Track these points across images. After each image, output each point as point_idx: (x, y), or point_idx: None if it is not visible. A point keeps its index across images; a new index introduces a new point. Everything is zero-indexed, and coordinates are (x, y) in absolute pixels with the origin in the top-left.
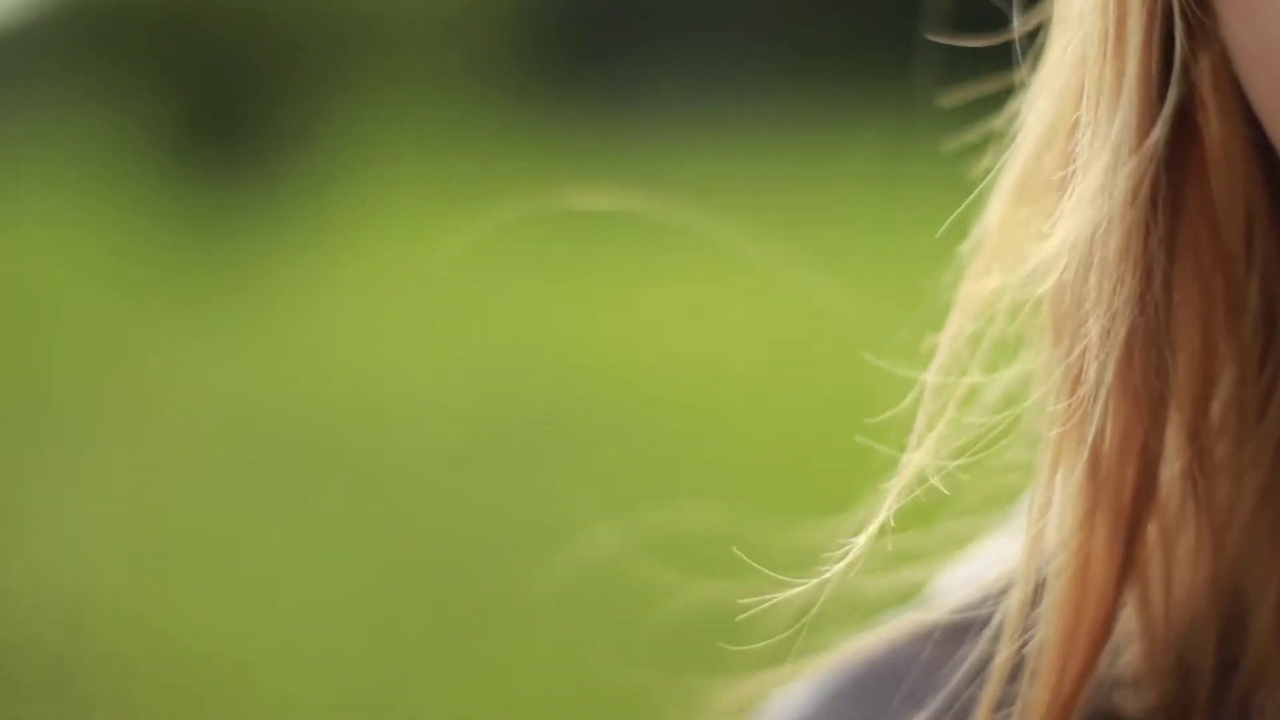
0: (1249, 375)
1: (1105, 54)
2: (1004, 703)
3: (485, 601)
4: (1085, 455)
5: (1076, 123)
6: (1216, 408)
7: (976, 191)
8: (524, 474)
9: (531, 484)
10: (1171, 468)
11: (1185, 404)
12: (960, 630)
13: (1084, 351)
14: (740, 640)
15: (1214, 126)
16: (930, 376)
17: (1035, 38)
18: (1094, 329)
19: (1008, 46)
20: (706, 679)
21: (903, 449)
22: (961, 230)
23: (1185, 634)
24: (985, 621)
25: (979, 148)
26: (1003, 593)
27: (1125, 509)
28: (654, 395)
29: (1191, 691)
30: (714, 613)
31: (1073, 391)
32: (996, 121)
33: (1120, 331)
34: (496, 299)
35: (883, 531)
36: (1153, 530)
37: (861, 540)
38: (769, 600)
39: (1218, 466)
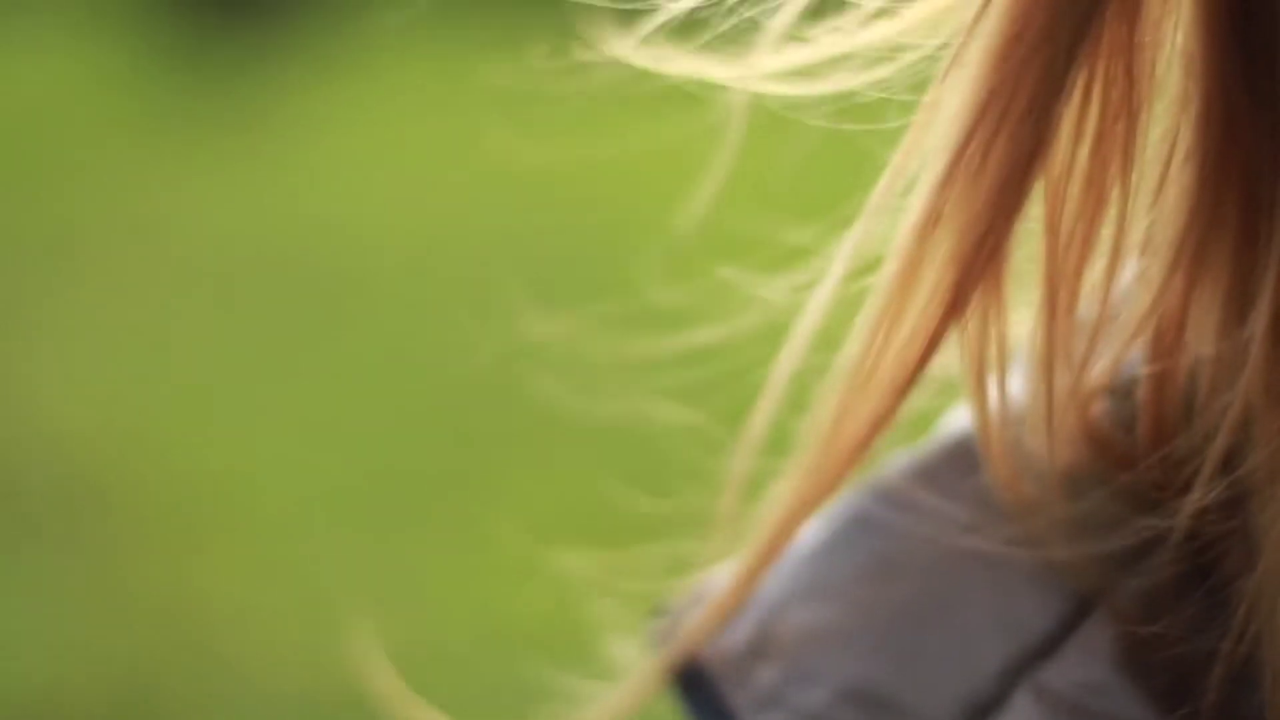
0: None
1: None
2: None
3: (493, 425)
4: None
5: None
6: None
7: None
8: (528, 307)
9: (532, 322)
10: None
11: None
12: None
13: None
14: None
15: None
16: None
17: None
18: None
19: None
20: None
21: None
22: None
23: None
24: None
25: None
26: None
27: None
28: (654, 231)
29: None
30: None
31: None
32: None
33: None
34: (500, 147)
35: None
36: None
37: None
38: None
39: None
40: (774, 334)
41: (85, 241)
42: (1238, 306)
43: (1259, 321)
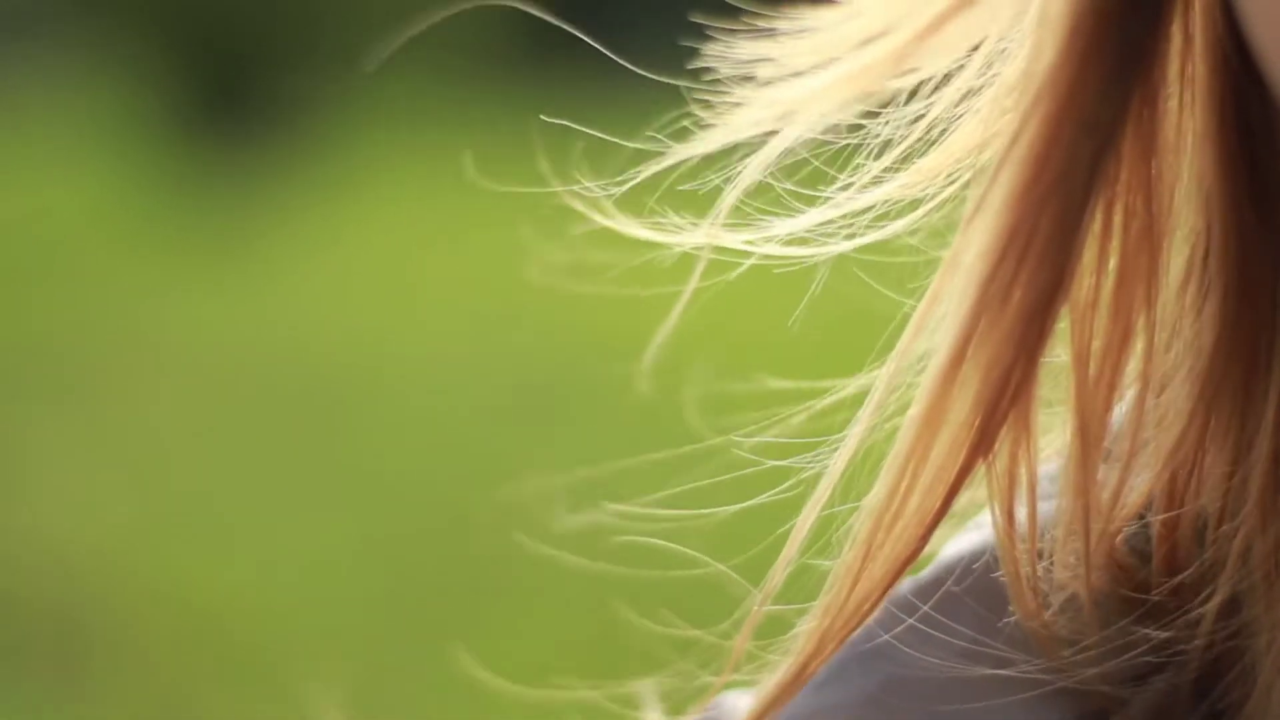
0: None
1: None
2: None
3: (483, 557)
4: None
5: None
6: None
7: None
8: (520, 435)
9: (524, 445)
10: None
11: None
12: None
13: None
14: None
15: (1173, 112)
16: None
17: None
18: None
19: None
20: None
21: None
22: None
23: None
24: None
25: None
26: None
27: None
28: (641, 361)
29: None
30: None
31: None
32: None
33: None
34: (489, 263)
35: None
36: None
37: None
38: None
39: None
40: (785, 473)
41: (84, 358)
42: (1248, 437)
43: (1260, 453)
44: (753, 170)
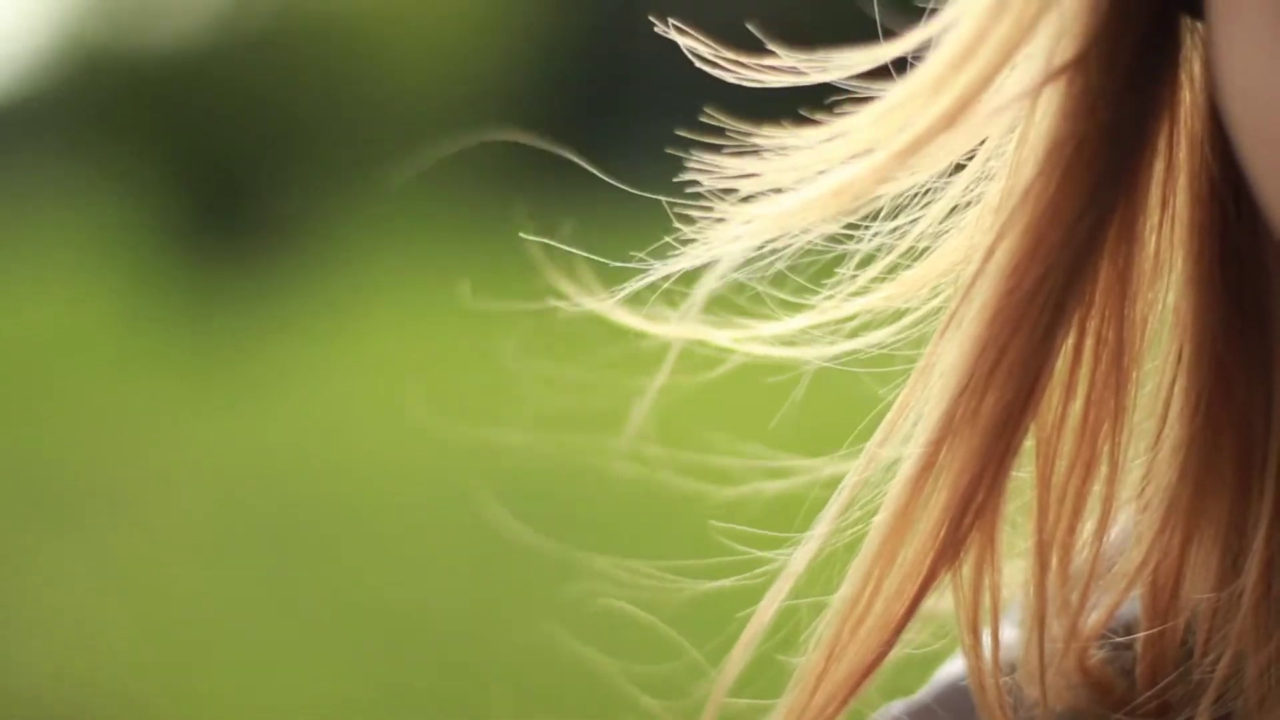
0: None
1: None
2: None
3: (485, 664)
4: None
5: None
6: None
7: None
8: (511, 549)
9: (518, 558)
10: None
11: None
12: None
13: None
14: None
15: (1150, 240)
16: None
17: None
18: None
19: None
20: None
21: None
22: None
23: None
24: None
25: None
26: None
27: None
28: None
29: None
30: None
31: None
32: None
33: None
34: (489, 379)
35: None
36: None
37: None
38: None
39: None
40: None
41: (83, 481)
42: (1233, 557)
43: (1251, 573)
44: (723, 267)
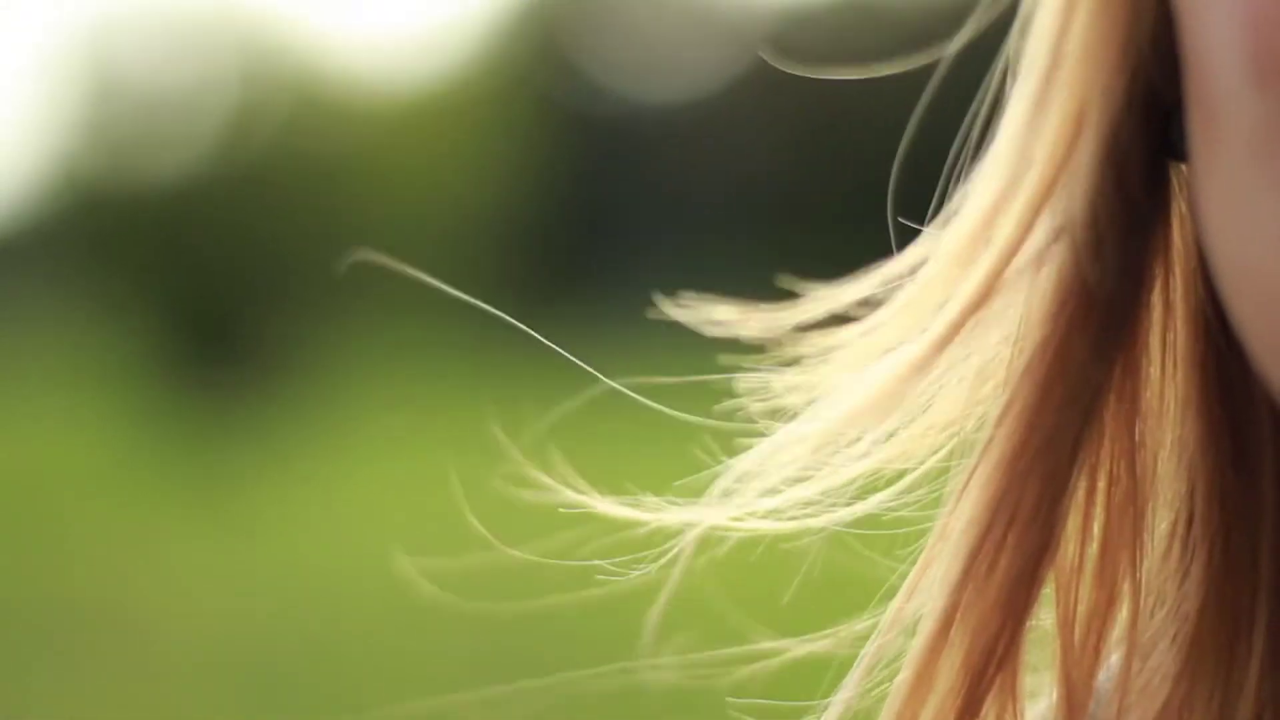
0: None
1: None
2: None
3: None
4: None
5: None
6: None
7: None
8: (502, 695)
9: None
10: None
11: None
12: None
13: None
14: None
15: (1155, 379)
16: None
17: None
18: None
19: None
20: None
21: None
22: None
23: None
24: None
25: None
26: None
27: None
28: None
29: None
30: None
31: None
32: None
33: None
34: (479, 509)
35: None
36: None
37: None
38: None
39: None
40: None
41: (73, 614)
42: (1230, 700)
43: (1243, 712)
44: (752, 458)
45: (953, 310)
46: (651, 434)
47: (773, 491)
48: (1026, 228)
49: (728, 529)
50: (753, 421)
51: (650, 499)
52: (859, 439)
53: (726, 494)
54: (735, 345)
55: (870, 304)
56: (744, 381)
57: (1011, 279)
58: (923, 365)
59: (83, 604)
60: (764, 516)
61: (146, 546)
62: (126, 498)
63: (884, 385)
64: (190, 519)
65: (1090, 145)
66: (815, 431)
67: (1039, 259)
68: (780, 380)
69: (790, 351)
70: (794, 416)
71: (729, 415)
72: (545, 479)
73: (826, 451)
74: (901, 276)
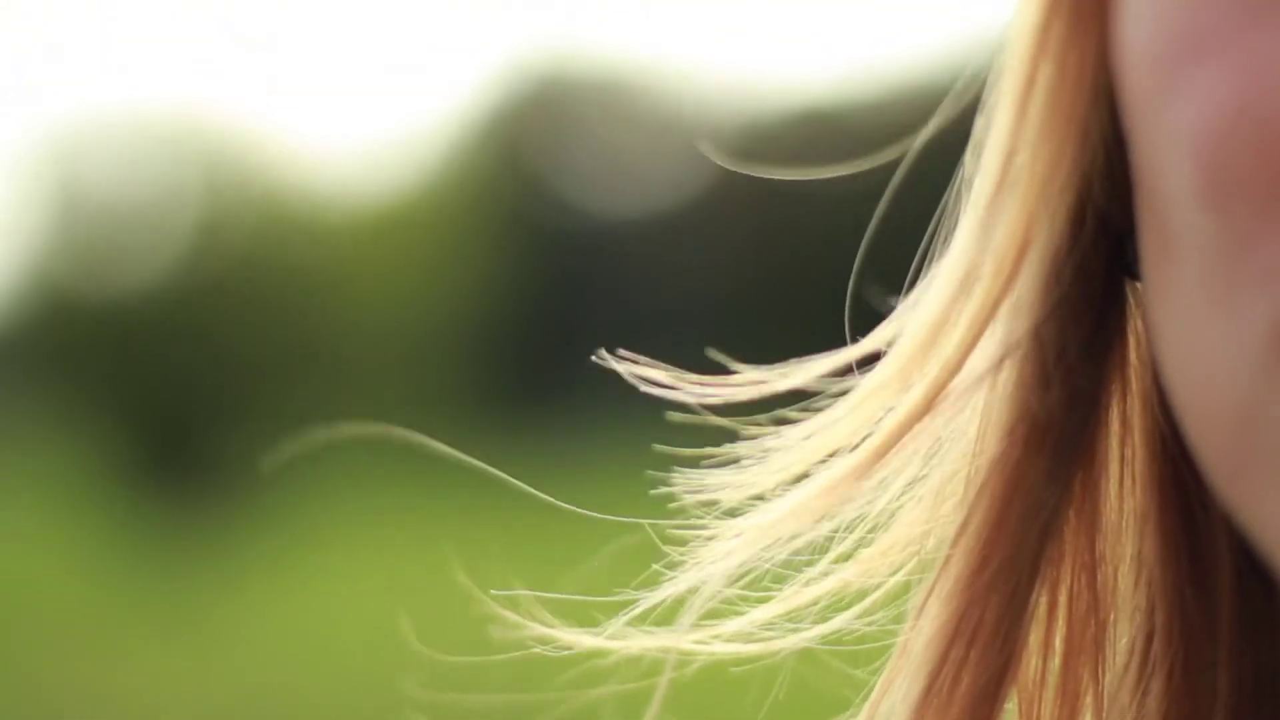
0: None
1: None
2: None
3: None
4: None
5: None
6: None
7: None
8: None
9: None
10: None
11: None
12: None
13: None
14: None
15: (1113, 495)
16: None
17: None
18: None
19: None
20: None
21: None
22: None
23: None
24: None
25: None
26: None
27: None
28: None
29: None
30: None
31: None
32: None
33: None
34: (439, 630)
35: None
36: None
37: None
38: None
39: None
40: None
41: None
42: None
43: None
44: (715, 583)
45: (893, 420)
46: (602, 537)
47: (736, 614)
48: (971, 343)
49: (693, 654)
50: (693, 521)
51: (618, 626)
52: (804, 546)
53: (691, 615)
54: (691, 439)
55: (813, 409)
56: (683, 481)
57: (960, 392)
58: (860, 473)
59: (50, 709)
60: (730, 639)
61: (106, 662)
62: (88, 612)
63: (824, 486)
64: (150, 635)
65: (1034, 266)
66: (750, 530)
67: (990, 374)
68: (719, 480)
69: (729, 453)
70: (732, 514)
71: (672, 515)
72: (510, 614)
73: (765, 550)
74: (848, 370)
